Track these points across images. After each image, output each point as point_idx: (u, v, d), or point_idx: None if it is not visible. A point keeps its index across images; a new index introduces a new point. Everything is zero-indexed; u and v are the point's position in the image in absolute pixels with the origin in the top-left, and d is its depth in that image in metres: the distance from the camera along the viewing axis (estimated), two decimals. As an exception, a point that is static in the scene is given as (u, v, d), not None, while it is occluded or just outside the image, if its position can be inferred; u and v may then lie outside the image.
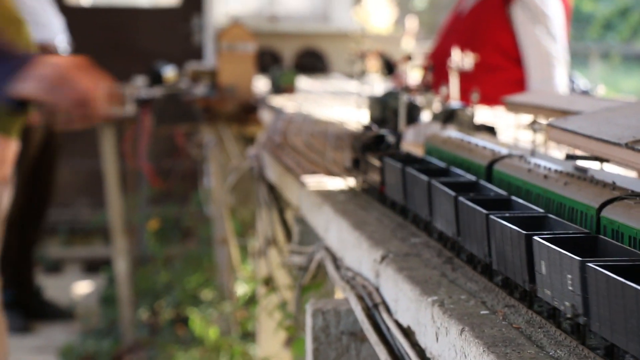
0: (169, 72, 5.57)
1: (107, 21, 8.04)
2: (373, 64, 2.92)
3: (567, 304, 1.03)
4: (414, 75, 3.72)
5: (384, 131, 1.97)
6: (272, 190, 2.70)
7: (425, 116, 2.75)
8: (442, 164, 1.72)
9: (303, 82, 5.64)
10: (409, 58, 2.53)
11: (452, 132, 2.04)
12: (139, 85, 5.59)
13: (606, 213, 1.25)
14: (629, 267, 0.96)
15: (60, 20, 5.87)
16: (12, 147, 3.90)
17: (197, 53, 7.96)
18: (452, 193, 1.41)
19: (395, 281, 1.44)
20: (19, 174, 5.67)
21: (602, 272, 0.94)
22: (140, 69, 6.03)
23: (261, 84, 5.28)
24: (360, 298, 1.53)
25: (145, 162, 5.74)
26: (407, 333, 1.38)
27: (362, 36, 6.24)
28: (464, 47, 4.16)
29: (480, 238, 1.30)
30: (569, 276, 1.01)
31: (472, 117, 2.27)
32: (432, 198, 1.51)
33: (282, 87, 4.64)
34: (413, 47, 7.27)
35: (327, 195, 2.04)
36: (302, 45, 6.89)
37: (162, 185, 6.03)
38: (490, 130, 2.34)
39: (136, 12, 8.13)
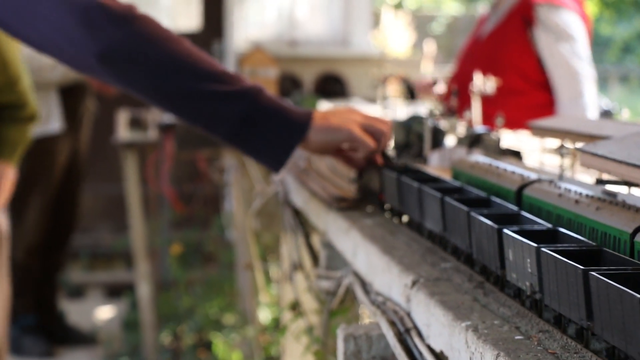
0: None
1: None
2: (395, 88, 2.93)
3: (527, 283, 1.31)
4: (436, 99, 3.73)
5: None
6: (298, 214, 2.71)
7: (450, 140, 2.76)
8: (434, 174, 1.97)
9: (324, 107, 5.67)
10: (434, 82, 2.54)
11: (479, 157, 2.05)
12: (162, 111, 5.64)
13: (640, 238, 1.26)
14: (576, 251, 1.24)
15: None
16: (10, 174, 3.96)
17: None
18: (439, 195, 1.67)
19: (427, 306, 1.44)
20: (43, 198, 5.72)
21: (552, 255, 1.22)
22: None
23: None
24: (391, 323, 1.53)
25: (168, 186, 5.77)
26: (440, 358, 1.38)
27: (382, 60, 6.28)
28: (485, 72, 4.16)
29: (462, 232, 1.56)
30: (529, 260, 1.29)
31: (498, 141, 2.28)
32: (422, 201, 1.78)
33: (304, 112, 4.66)
34: (432, 71, 7.29)
35: (354, 220, 2.05)
36: (322, 70, 6.92)
37: (184, 210, 6.06)
38: (516, 155, 2.34)
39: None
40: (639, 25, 16.43)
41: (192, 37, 8.65)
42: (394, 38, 7.95)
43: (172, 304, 6.08)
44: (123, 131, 5.78)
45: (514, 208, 1.54)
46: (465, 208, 1.53)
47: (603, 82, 14.04)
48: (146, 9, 2.20)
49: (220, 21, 7.91)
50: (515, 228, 1.37)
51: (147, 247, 5.91)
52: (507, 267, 1.38)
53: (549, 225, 1.40)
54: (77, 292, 7.45)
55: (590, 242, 1.29)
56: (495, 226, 1.39)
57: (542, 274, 1.24)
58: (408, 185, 1.85)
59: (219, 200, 6.13)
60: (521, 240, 1.30)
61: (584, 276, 1.11)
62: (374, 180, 2.13)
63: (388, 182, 2.01)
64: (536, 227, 1.39)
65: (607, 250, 1.24)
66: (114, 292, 7.35)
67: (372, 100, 5.96)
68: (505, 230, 1.36)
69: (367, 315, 2.01)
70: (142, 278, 5.62)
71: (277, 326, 3.54)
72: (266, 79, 4.66)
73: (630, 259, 1.20)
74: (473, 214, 1.48)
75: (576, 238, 1.31)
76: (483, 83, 3.42)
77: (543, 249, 1.23)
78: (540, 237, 1.33)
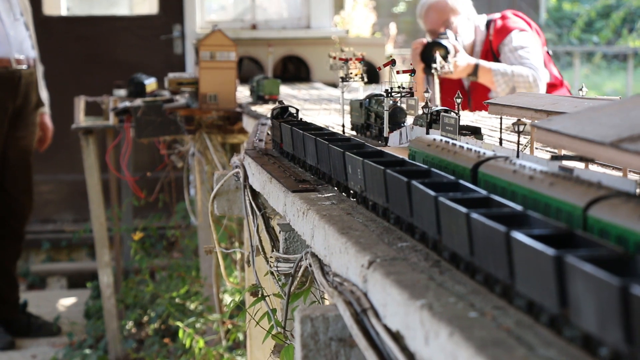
0: (150, 82, 5.55)
1: (86, 30, 8.00)
2: (356, 69, 2.92)
3: (358, 186, 1.90)
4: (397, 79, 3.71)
5: (287, 105, 2.81)
6: (257, 198, 2.68)
7: (410, 120, 2.75)
8: (317, 126, 2.56)
9: (286, 89, 5.63)
10: (392, 62, 2.52)
11: (436, 136, 2.04)
12: (121, 96, 5.57)
13: (592, 212, 1.25)
14: (389, 161, 1.81)
15: (25, 33, 5.81)
16: None
17: (179, 62, 7.94)
18: (313, 137, 2.25)
19: (383, 286, 1.42)
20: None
21: (370, 163, 1.78)
22: (121, 79, 6.01)
23: (244, 93, 5.27)
24: (348, 304, 1.52)
25: (129, 173, 5.71)
26: (397, 337, 1.37)
27: (344, 42, 6.24)
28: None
29: (333, 164, 2.09)
30: (359, 170, 1.86)
31: (457, 120, 2.27)
32: (305, 145, 2.35)
33: (265, 95, 4.63)
34: (393, 51, 7.26)
35: (313, 202, 2.03)
36: (284, 53, 6.88)
37: (146, 197, 6.00)
38: (476, 133, 2.33)
39: (116, 20, 8.10)
40: (600, 5, 16.54)
41: (152, 21, 8.54)
42: (357, 20, 7.92)
43: (136, 292, 6.03)
44: (81, 117, 5.70)
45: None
46: (336, 146, 2.06)
47: (568, 61, 14.13)
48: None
49: (179, 5, 7.82)
50: (356, 151, 1.94)
51: (109, 235, 5.84)
52: (348, 179, 1.97)
53: (397, 157, 1.91)
54: (40, 282, 7.36)
55: (397, 156, 1.87)
56: (341, 150, 1.97)
57: (366, 178, 1.82)
58: (298, 133, 2.42)
59: (182, 186, 6.09)
60: (354, 157, 1.88)
61: (384, 174, 1.67)
62: (277, 132, 2.70)
63: (285, 133, 2.59)
64: (366, 149, 2.00)
65: (409, 160, 1.80)
66: (77, 281, 7.28)
67: (334, 81, 5.94)
68: (347, 152, 1.93)
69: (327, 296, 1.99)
70: (105, 266, 5.56)
71: (238, 310, 3.52)
72: (226, 61, 4.61)
73: (441, 174, 1.64)
74: (331, 145, 2.06)
75: (393, 155, 1.88)
76: (443, 64, 3.39)
77: (366, 161, 1.79)
78: (368, 156, 1.86)
